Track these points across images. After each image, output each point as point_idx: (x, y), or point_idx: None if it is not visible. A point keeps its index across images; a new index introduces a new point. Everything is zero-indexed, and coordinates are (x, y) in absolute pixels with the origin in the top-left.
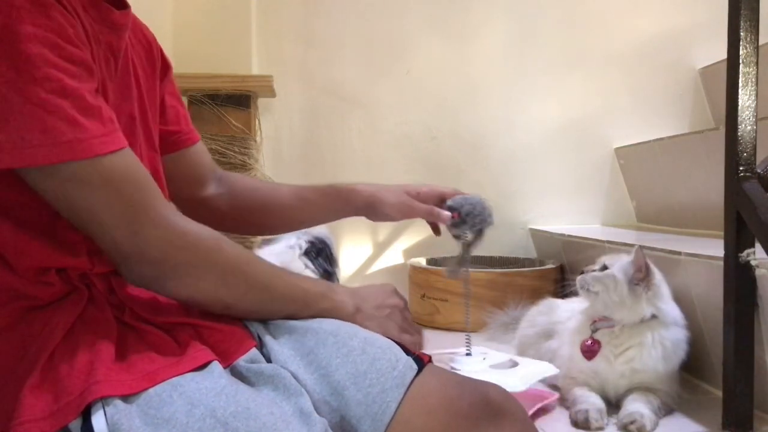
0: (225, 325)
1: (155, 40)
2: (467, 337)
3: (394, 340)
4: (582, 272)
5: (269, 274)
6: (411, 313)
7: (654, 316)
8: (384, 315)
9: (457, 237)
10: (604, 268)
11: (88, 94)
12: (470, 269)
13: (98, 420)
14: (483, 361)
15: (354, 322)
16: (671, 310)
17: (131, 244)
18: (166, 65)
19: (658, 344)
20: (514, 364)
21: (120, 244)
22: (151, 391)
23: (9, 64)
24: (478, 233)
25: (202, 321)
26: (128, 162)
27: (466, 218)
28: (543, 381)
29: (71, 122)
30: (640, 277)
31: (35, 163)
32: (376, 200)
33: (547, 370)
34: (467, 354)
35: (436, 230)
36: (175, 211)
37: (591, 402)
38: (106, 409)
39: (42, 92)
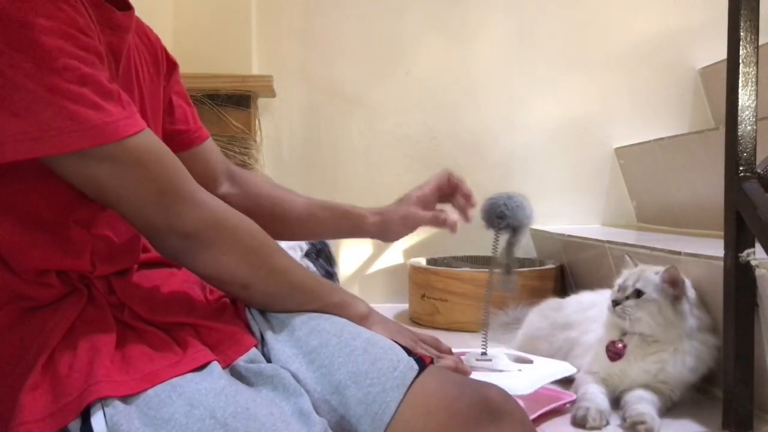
0: (225, 325)
1: (159, 40)
2: (484, 337)
3: (398, 342)
4: (615, 302)
5: (288, 260)
6: (411, 313)
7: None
8: (395, 329)
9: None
10: (638, 293)
11: (104, 79)
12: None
13: (98, 421)
14: (504, 360)
15: (363, 325)
16: (705, 315)
17: (163, 219)
18: (171, 65)
19: (694, 351)
20: (529, 362)
21: (152, 220)
22: (150, 391)
23: (27, 57)
24: (513, 231)
25: (201, 321)
26: (153, 141)
27: (500, 216)
28: (557, 382)
29: (95, 107)
30: (680, 293)
31: (67, 150)
32: (385, 226)
33: (564, 370)
34: (483, 353)
35: (453, 227)
36: (202, 189)
37: (595, 402)
38: (106, 409)
39: (62, 82)
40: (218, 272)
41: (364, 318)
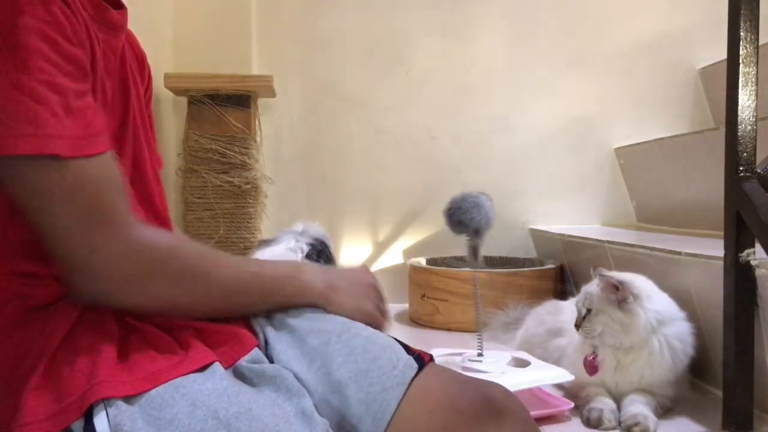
0: (226, 326)
1: (146, 57)
2: (479, 337)
3: (397, 340)
4: (576, 326)
5: (229, 270)
6: (411, 313)
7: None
8: (360, 293)
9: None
10: (588, 311)
11: (75, 94)
12: (479, 270)
13: (100, 421)
14: (496, 362)
15: (327, 299)
16: (665, 305)
17: (85, 255)
18: (150, 81)
19: (666, 347)
20: (526, 363)
21: (72, 253)
22: (153, 392)
23: (4, 54)
24: (475, 234)
25: (203, 323)
26: (101, 169)
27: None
28: (554, 386)
29: (55, 117)
30: (623, 295)
31: (14, 152)
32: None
33: (557, 376)
34: (479, 354)
35: None
36: (134, 222)
37: (605, 402)
38: (108, 410)
39: (33, 82)
40: (146, 304)
41: (322, 296)
